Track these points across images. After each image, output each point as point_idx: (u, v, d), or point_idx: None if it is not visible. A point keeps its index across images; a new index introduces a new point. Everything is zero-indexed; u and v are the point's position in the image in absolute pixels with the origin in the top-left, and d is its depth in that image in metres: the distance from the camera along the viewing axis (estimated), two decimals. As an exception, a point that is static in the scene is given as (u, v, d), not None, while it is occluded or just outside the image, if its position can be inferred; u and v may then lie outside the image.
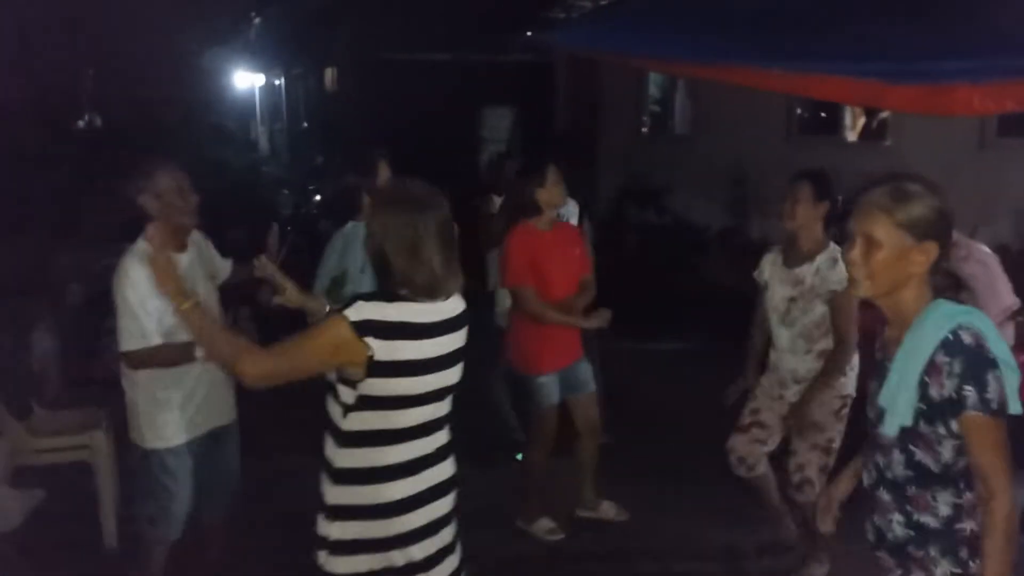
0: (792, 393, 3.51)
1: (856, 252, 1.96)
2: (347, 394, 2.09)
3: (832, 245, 3.40)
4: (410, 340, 2.08)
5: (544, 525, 4.03)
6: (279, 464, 4.34)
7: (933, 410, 1.90)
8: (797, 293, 3.43)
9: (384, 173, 3.27)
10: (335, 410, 2.13)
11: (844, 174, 5.77)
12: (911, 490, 1.99)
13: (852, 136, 8.07)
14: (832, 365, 3.36)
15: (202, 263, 3.12)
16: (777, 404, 3.58)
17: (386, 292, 2.12)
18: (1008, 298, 3.78)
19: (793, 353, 3.49)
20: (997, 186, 6.77)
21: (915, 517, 1.99)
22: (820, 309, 3.38)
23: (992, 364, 1.87)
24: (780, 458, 3.63)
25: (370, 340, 2.02)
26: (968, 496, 1.95)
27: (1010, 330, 3.78)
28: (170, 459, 3.00)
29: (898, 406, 1.94)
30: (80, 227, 8.25)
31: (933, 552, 1.97)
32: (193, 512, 3.07)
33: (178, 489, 3.02)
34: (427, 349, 2.11)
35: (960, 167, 6.31)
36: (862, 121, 8.25)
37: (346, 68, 16.72)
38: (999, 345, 1.90)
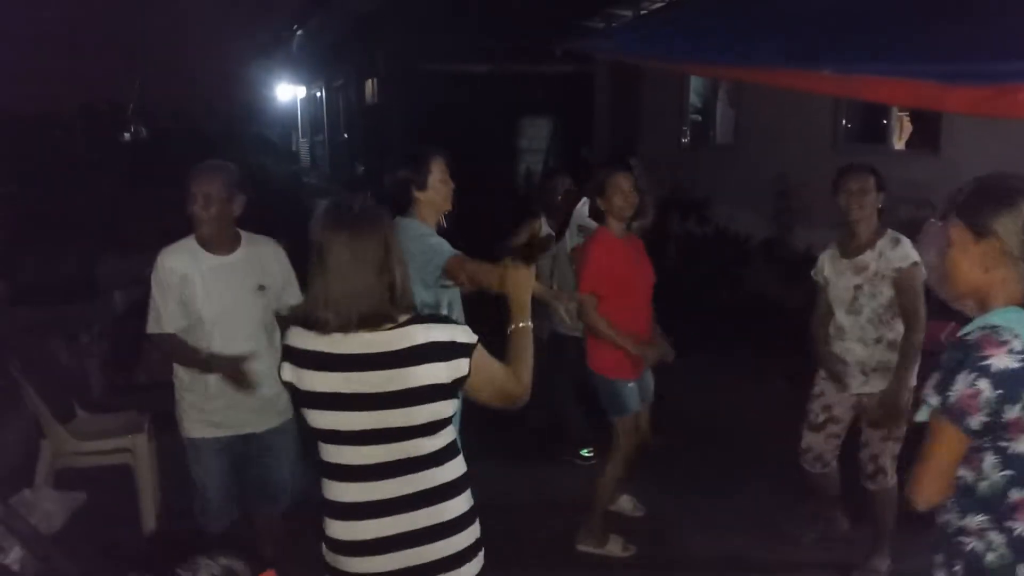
0: (858, 383, 3.51)
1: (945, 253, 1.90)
2: None
3: (889, 230, 3.45)
4: (321, 372, 1.95)
5: (617, 544, 3.88)
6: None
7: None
8: (863, 280, 3.45)
9: (438, 171, 3.21)
10: None
11: (892, 184, 5.65)
12: None
13: (900, 145, 7.89)
14: (909, 347, 3.36)
15: (254, 272, 3.12)
16: (845, 397, 3.59)
17: (307, 317, 1.98)
18: None
19: (863, 343, 3.48)
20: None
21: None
22: (888, 292, 3.41)
23: (976, 369, 1.72)
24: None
25: (285, 366, 2.00)
26: (970, 519, 1.83)
27: None
28: (193, 451, 3.16)
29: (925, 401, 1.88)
30: (125, 235, 8.38)
31: (938, 560, 1.91)
32: (242, 510, 3.23)
33: (206, 482, 3.15)
34: (350, 384, 1.93)
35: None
36: (909, 130, 8.07)
37: (386, 80, 16.87)
38: None
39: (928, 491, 1.82)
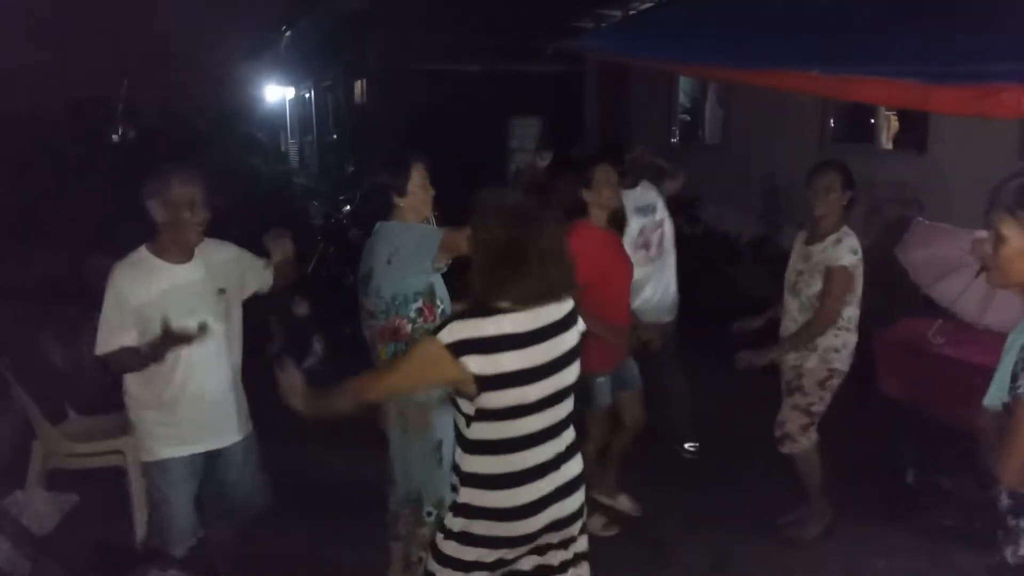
0: (791, 358, 3.77)
1: (989, 245, 2.01)
2: (467, 406, 2.19)
3: (844, 228, 3.66)
4: (514, 351, 2.14)
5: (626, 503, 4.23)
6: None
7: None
8: (805, 267, 3.71)
9: (418, 177, 3.21)
10: (459, 420, 2.23)
11: (879, 183, 5.70)
12: None
13: (888, 145, 7.94)
14: (805, 329, 3.65)
15: (213, 277, 3.00)
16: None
17: (483, 307, 2.17)
18: None
19: (794, 322, 3.76)
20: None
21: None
22: (819, 285, 3.64)
23: None
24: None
25: (468, 359, 2.10)
26: None
27: None
28: (159, 473, 2.99)
29: (994, 384, 1.99)
30: (112, 235, 8.34)
31: (1022, 524, 1.98)
32: (202, 527, 3.08)
33: (171, 505, 2.99)
34: (534, 356, 2.16)
35: (999, 176, 6.16)
36: (896, 128, 8.12)
37: (375, 80, 16.83)
38: None
39: (1017, 470, 1.92)
